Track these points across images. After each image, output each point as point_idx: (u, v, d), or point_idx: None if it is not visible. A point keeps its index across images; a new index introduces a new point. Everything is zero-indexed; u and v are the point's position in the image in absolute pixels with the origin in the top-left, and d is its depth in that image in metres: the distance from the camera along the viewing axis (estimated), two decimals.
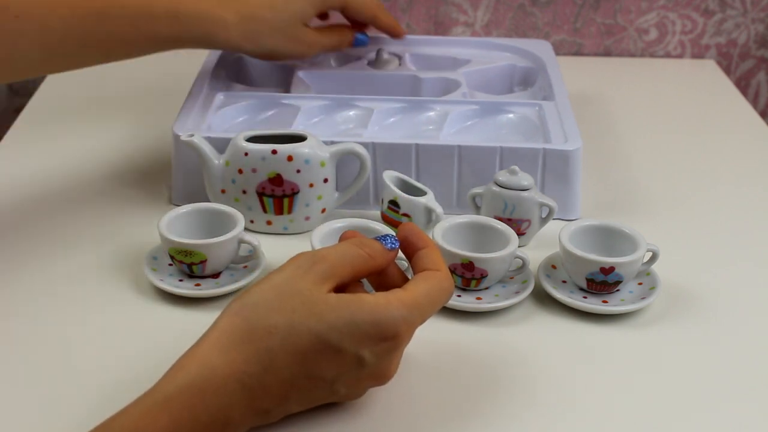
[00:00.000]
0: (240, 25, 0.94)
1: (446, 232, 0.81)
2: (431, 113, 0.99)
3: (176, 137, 0.91)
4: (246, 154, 0.86)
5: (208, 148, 0.88)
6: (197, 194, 0.91)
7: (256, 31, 0.95)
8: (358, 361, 0.62)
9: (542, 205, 0.87)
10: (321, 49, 1.03)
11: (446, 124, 0.96)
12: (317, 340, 0.61)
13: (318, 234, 0.80)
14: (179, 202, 0.93)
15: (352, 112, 1.00)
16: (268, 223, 0.89)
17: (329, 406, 0.68)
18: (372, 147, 0.91)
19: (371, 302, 0.62)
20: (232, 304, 0.63)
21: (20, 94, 1.38)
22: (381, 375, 0.65)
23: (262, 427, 0.65)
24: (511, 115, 0.99)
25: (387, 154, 0.91)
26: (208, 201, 0.88)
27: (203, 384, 0.59)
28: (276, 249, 0.85)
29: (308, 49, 1.01)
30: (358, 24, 1.07)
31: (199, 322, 0.67)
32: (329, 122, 0.99)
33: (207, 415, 0.59)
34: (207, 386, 0.60)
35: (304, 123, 0.97)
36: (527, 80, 1.11)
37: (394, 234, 0.69)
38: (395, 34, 1.09)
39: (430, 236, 0.78)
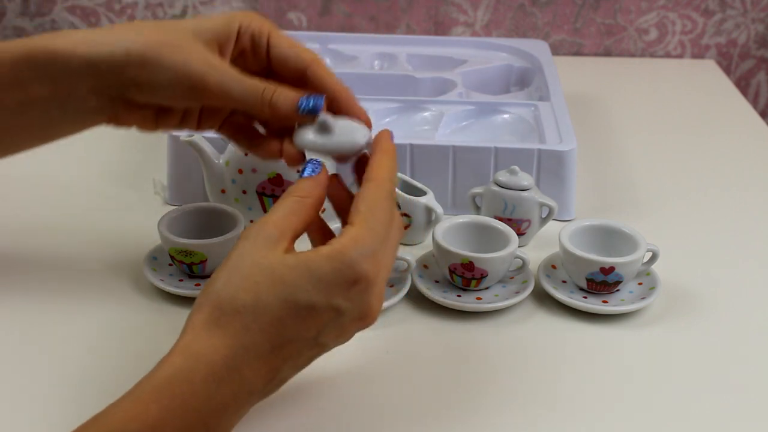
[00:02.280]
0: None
1: (446, 232, 0.81)
2: (427, 113, 0.99)
3: (171, 137, 0.91)
4: (246, 154, 0.86)
5: (208, 148, 0.87)
6: (192, 194, 0.91)
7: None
8: (335, 311, 0.61)
9: (542, 205, 0.87)
10: (231, 82, 0.67)
11: (441, 125, 0.96)
12: (286, 304, 0.60)
13: None
14: (174, 202, 0.93)
15: None
16: None
17: (329, 406, 0.68)
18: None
19: (326, 253, 0.61)
20: (199, 298, 0.62)
21: None
22: (364, 316, 0.63)
23: (263, 424, 0.65)
24: (506, 116, 0.99)
25: None
26: (203, 201, 0.88)
27: (190, 374, 0.59)
28: None
29: (209, 68, 0.67)
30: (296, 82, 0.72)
31: None
32: None
33: (199, 403, 0.59)
34: (194, 376, 0.59)
35: None
36: (524, 80, 1.11)
37: (316, 159, 0.67)
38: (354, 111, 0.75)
39: (430, 236, 0.78)
